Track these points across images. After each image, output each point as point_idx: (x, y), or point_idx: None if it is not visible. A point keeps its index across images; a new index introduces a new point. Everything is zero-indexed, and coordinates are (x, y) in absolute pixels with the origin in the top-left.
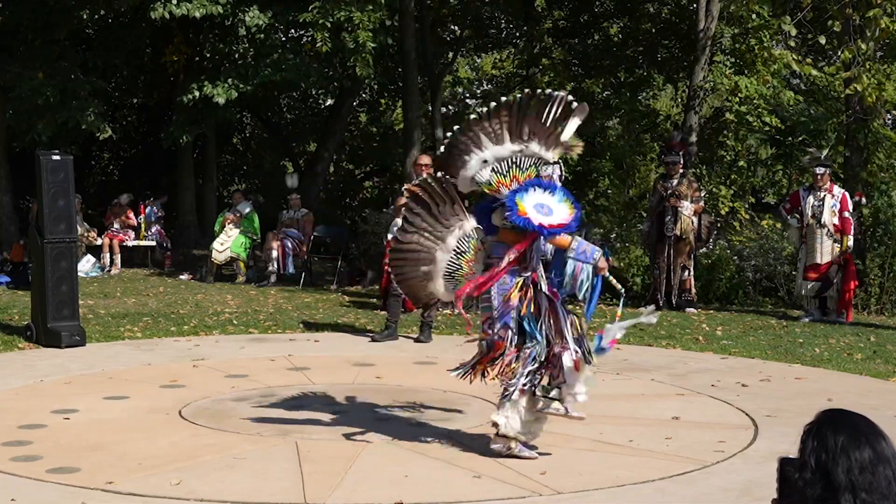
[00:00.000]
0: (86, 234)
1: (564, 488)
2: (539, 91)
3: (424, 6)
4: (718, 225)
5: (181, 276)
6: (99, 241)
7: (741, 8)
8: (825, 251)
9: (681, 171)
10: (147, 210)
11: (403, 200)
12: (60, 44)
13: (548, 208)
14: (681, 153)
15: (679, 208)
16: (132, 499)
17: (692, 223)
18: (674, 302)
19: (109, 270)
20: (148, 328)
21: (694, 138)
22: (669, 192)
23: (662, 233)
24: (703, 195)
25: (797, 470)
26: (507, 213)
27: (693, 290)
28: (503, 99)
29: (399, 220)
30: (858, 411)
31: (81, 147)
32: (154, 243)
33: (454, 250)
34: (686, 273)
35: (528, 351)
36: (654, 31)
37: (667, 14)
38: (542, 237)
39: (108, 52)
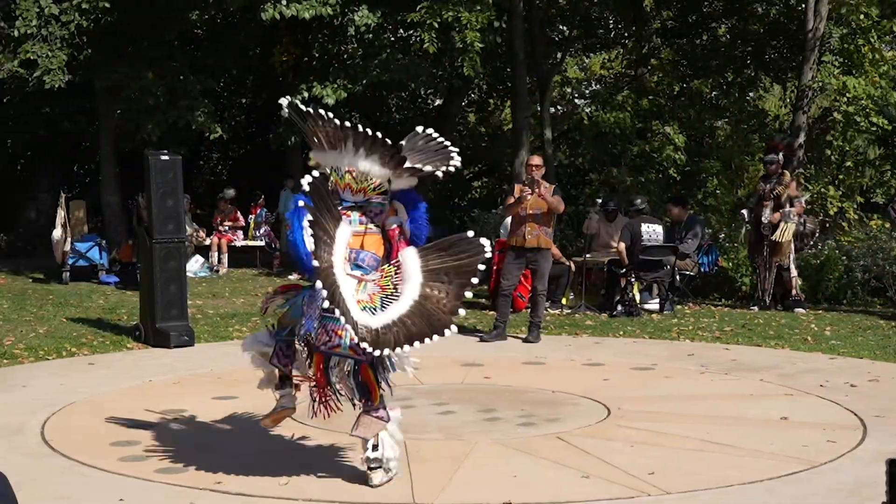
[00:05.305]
0: (194, 234)
1: (673, 488)
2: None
3: (533, 6)
4: (816, 232)
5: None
6: (207, 241)
7: (851, 11)
8: None
9: (779, 171)
10: (258, 211)
11: (512, 200)
12: (169, 44)
13: None
14: (780, 153)
15: (762, 215)
16: (240, 499)
17: (793, 225)
18: (772, 301)
19: (217, 270)
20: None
21: (802, 138)
22: (770, 189)
23: (761, 233)
24: (804, 197)
25: None
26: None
27: (795, 291)
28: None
29: (507, 221)
30: None
31: (190, 147)
32: (263, 244)
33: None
34: (787, 274)
35: None
36: (762, 31)
37: (775, 14)
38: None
39: (217, 52)
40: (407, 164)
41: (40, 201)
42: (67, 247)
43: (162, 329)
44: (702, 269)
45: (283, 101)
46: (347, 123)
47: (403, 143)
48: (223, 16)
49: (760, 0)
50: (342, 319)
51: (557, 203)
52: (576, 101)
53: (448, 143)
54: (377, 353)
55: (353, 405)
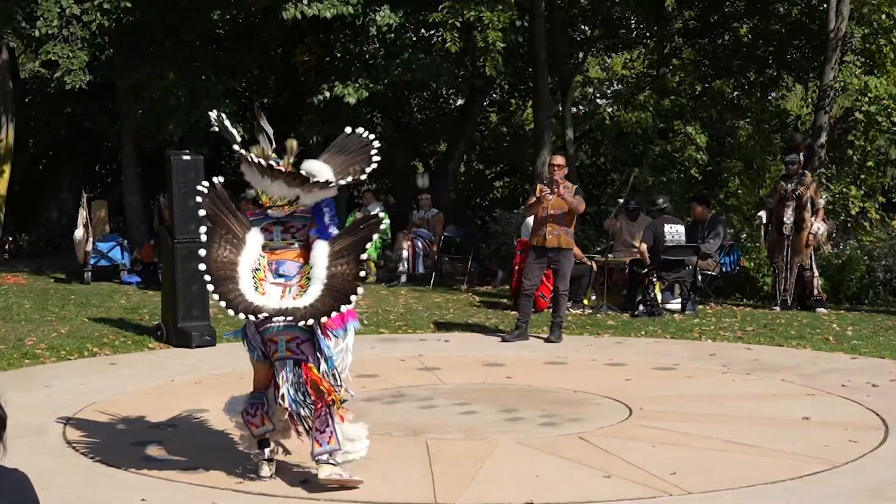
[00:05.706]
0: None
1: (694, 488)
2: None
3: (555, 6)
4: (833, 233)
5: None
6: None
7: (873, 11)
8: None
9: (800, 171)
10: None
11: (533, 200)
12: (191, 44)
13: None
14: (801, 153)
15: (784, 216)
16: (262, 499)
17: (815, 226)
18: (793, 301)
19: None
20: None
21: (824, 138)
22: (792, 190)
23: (781, 232)
24: (824, 198)
25: None
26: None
27: (817, 291)
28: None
29: (529, 220)
30: None
31: (212, 147)
32: None
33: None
34: (809, 274)
35: None
36: (784, 31)
37: (797, 14)
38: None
39: (239, 52)
40: (313, 180)
41: (62, 201)
42: (89, 247)
43: (184, 329)
44: (723, 269)
45: (212, 114)
46: (250, 157)
47: (335, 143)
48: (245, 16)
49: (782, 0)
50: (217, 298)
51: (578, 203)
52: (597, 100)
53: (373, 142)
54: (279, 321)
55: (305, 428)
